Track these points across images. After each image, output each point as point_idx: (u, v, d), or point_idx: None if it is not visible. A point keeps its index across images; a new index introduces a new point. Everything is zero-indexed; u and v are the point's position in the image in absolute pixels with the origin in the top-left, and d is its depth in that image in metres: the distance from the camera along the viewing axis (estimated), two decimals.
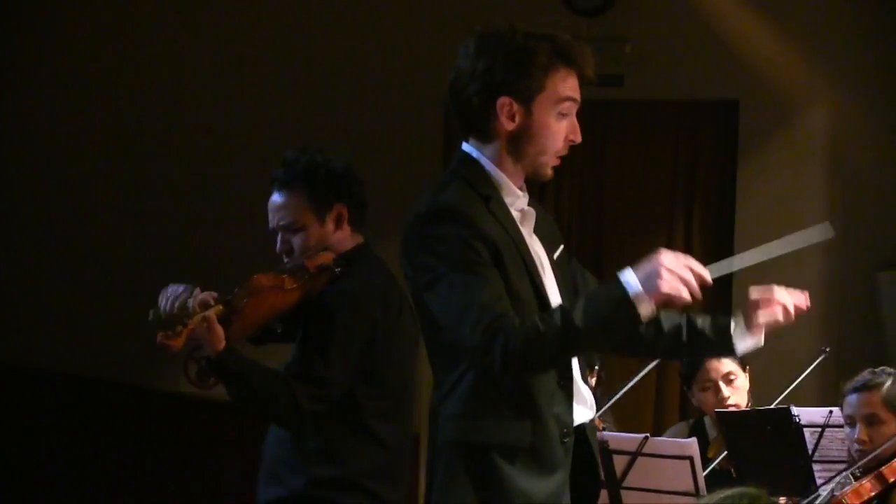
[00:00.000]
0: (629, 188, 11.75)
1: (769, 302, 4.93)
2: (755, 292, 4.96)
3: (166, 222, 11.80)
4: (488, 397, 4.64)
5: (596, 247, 11.81)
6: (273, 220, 6.02)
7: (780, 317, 4.93)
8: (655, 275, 4.41)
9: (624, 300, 4.44)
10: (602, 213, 11.81)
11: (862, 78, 10.95)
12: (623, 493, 6.67)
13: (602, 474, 5.62)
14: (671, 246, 11.35)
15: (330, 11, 11.40)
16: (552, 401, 4.75)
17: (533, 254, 4.77)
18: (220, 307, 5.69)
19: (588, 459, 5.00)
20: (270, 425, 6.07)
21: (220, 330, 5.61)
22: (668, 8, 11.32)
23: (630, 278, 4.43)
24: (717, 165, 11.66)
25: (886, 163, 10.79)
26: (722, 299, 11.01)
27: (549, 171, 4.78)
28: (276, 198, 5.99)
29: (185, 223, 11.71)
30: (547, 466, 4.76)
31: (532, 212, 4.81)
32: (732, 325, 4.92)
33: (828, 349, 7.18)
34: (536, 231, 4.86)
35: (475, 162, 4.73)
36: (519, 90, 4.64)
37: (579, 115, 4.82)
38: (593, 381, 7.81)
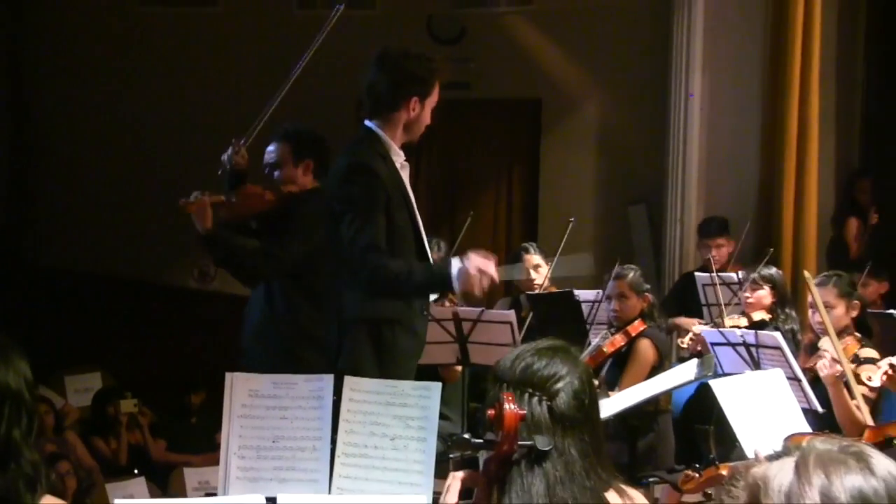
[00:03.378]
0: (473, 158, 11.73)
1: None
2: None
3: (174, 156, 11.41)
4: None
5: (452, 197, 11.85)
6: (266, 157, 6.05)
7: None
8: (466, 275, 4.76)
9: (445, 282, 4.89)
10: (456, 174, 11.84)
11: (619, 79, 11.02)
12: (469, 346, 6.61)
13: None
14: (498, 196, 11.53)
15: (277, 39, 11.36)
16: None
17: (410, 194, 5.08)
18: (221, 197, 5.77)
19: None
20: (249, 307, 6.06)
21: (210, 213, 5.67)
22: (497, 38, 11.33)
23: (454, 269, 4.80)
24: (528, 141, 11.63)
25: (634, 132, 10.88)
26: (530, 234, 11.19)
27: (417, 139, 5.15)
28: (271, 145, 6.07)
29: (188, 157, 11.23)
30: (413, 331, 5.06)
31: (408, 165, 5.11)
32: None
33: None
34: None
35: (375, 133, 5.01)
36: (422, 94, 5.00)
37: (442, 109, 5.14)
38: None
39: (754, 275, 7.53)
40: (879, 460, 1.91)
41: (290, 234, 5.70)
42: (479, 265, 4.76)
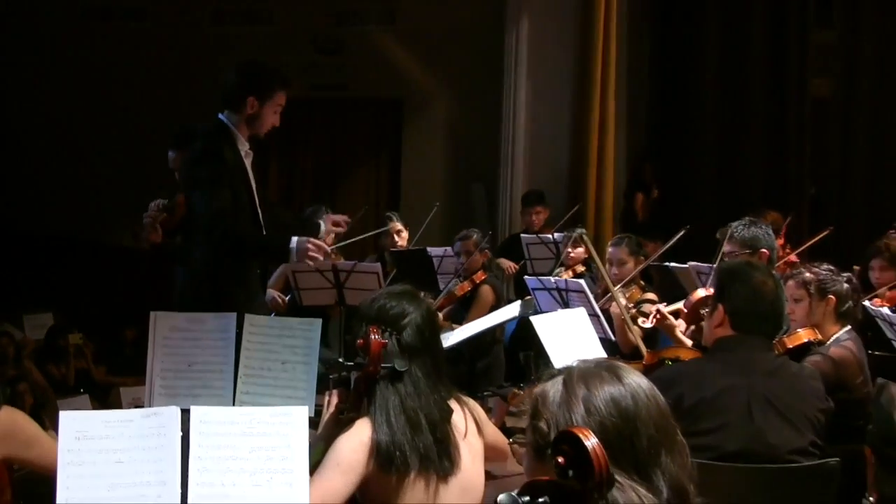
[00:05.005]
0: (347, 145, 11.71)
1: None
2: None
3: (113, 142, 11.13)
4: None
5: (332, 176, 11.76)
6: (171, 164, 5.86)
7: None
8: (303, 251, 4.58)
9: (286, 252, 4.65)
10: (334, 158, 11.77)
11: (463, 82, 11.06)
12: (345, 291, 6.52)
13: None
14: (368, 176, 11.47)
15: (192, 49, 11.16)
16: None
17: (251, 177, 4.82)
18: (164, 214, 5.56)
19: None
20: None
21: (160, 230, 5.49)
22: (368, 50, 11.27)
23: (293, 245, 4.61)
24: (392, 132, 11.64)
25: (475, 124, 10.92)
26: (393, 206, 11.16)
27: (262, 135, 4.85)
28: (171, 153, 5.86)
29: (124, 142, 11.05)
30: (248, 283, 4.84)
31: (251, 154, 4.85)
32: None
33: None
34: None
35: (225, 125, 4.76)
36: (260, 96, 4.73)
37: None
38: None
39: (575, 234, 7.56)
40: (627, 372, 1.99)
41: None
42: (315, 243, 4.62)
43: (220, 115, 4.81)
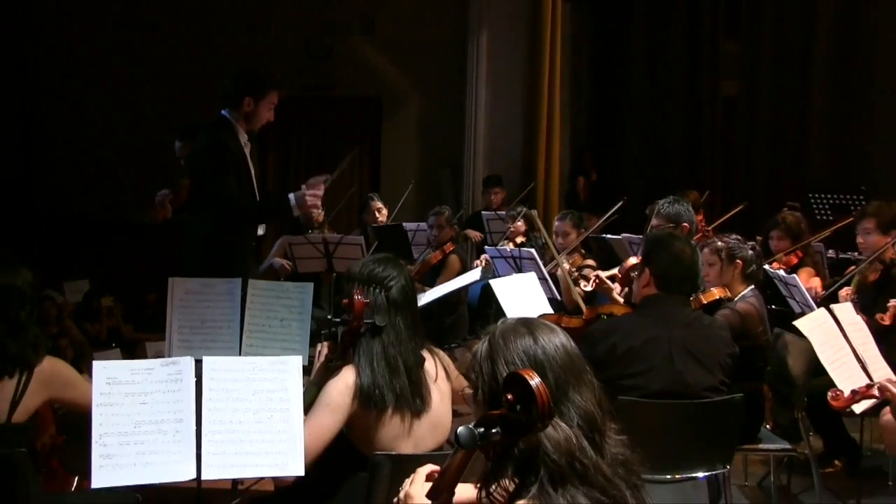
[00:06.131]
0: (335, 139, 11.52)
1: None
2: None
3: (138, 136, 10.79)
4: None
5: (321, 170, 11.37)
6: (177, 152, 5.80)
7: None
8: (302, 199, 4.48)
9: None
10: (322, 148, 11.64)
11: (433, 84, 10.98)
12: (333, 260, 6.54)
13: None
14: (352, 165, 11.35)
15: (201, 57, 11.02)
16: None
17: (250, 165, 4.74)
18: (171, 195, 5.48)
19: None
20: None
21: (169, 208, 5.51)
22: (353, 55, 11.18)
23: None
24: (373, 126, 11.50)
25: (443, 119, 10.82)
26: (374, 189, 11.11)
27: (258, 129, 4.76)
28: (178, 143, 5.78)
29: (147, 136, 10.60)
30: (245, 254, 4.73)
31: (249, 145, 4.77)
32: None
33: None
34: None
35: (228, 120, 4.67)
36: (255, 96, 4.64)
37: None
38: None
39: (513, 213, 7.63)
40: (539, 327, 2.00)
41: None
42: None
43: (223, 112, 4.74)
